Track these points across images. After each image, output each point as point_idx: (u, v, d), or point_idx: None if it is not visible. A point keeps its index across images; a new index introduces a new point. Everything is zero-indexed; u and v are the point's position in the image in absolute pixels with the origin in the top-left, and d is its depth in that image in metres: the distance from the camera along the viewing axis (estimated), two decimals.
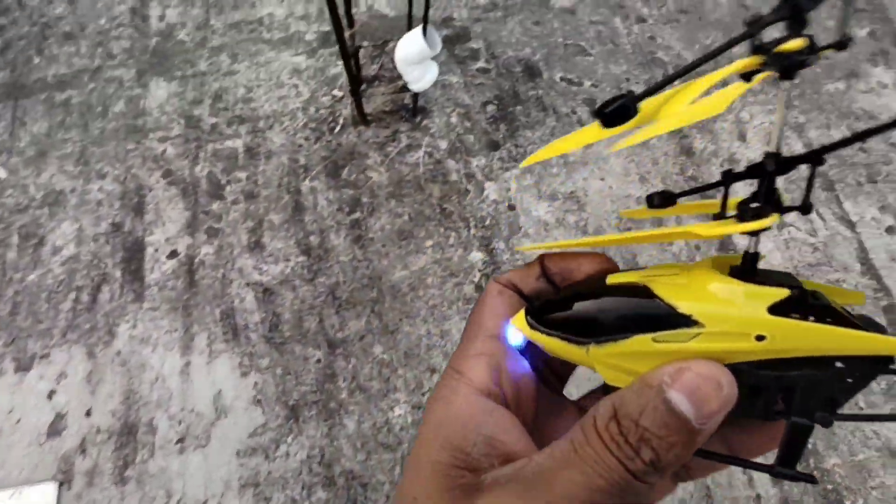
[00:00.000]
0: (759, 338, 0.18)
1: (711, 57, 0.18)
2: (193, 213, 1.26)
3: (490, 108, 1.39)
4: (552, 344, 0.23)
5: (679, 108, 0.19)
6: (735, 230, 0.19)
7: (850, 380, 0.19)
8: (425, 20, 1.11)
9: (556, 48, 1.49)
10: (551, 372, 0.27)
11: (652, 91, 0.19)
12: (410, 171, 1.30)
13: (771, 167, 0.19)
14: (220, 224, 1.25)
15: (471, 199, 1.27)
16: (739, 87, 0.18)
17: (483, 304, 0.25)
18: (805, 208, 0.20)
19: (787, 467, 0.20)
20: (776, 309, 0.19)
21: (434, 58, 1.20)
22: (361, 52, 1.47)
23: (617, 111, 0.19)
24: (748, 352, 0.19)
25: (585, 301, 0.23)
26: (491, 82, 1.43)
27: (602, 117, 0.19)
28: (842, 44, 0.17)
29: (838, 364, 0.19)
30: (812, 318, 0.19)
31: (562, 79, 1.44)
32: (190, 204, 1.27)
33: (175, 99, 1.41)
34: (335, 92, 1.41)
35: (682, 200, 0.25)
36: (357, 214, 1.26)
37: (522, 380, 0.24)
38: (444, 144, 1.34)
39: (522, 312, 0.24)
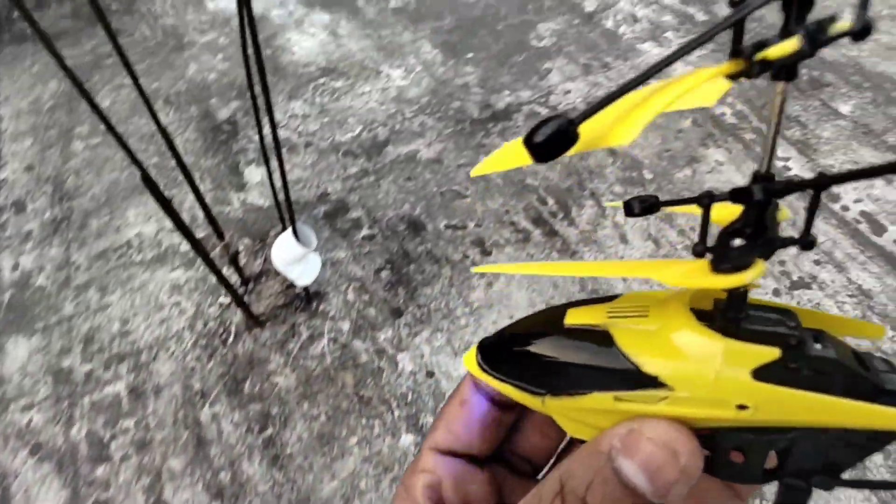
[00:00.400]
0: (741, 406, 0.16)
1: (677, 58, 0.14)
2: (73, 488, 1.07)
3: (384, 274, 1.38)
4: (505, 389, 0.21)
5: (640, 115, 0.15)
6: (705, 284, 0.16)
7: (856, 445, 0.16)
8: (292, 220, 1.10)
9: (433, 198, 1.54)
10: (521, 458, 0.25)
11: (593, 110, 0.15)
12: (317, 365, 1.22)
13: (759, 196, 0.15)
14: (109, 492, 1.07)
15: (387, 377, 1.20)
16: (721, 84, 0.16)
17: (442, 413, 0.24)
18: (806, 244, 0.16)
19: None
20: (764, 371, 0.16)
21: (316, 242, 1.18)
22: (243, 249, 1.43)
23: (551, 140, 0.14)
24: (731, 420, 0.16)
25: (542, 342, 0.21)
26: (379, 247, 1.43)
27: (533, 150, 0.14)
28: (862, 31, 0.12)
29: (842, 431, 0.16)
30: (811, 373, 0.15)
31: (446, 226, 1.47)
32: (68, 479, 1.08)
33: (38, 355, 1.26)
34: (222, 299, 1.34)
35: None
36: (269, 431, 1.14)
37: (471, 487, 0.23)
38: (346, 325, 1.28)
39: (474, 350, 0.23)
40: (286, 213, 1.10)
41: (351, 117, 1.80)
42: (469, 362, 0.22)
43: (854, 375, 0.15)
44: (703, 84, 0.15)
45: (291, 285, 1.30)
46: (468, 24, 2.17)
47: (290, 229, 1.08)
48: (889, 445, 0.16)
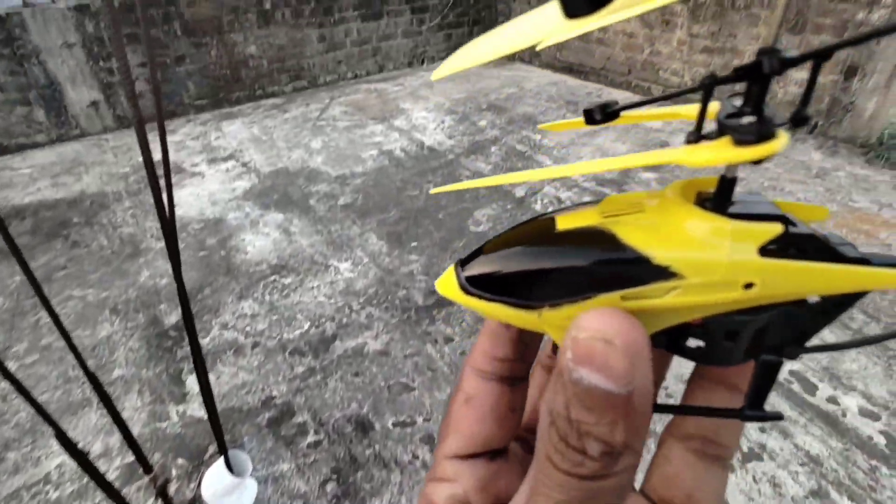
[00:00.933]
0: (748, 285, 0.16)
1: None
2: None
3: (330, 487, 1.29)
4: (493, 311, 0.19)
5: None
6: (735, 158, 0.15)
7: (826, 312, 0.17)
8: (224, 451, 1.05)
9: (380, 393, 1.53)
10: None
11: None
12: None
13: (769, 66, 0.15)
14: None
15: None
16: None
17: (447, 417, 0.22)
18: (800, 120, 0.16)
19: (755, 409, 0.18)
20: (767, 250, 0.16)
21: (251, 468, 1.12)
22: (177, 473, 1.34)
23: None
24: (733, 302, 0.16)
25: (533, 250, 0.19)
26: (325, 454, 1.37)
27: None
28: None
29: (813, 299, 0.17)
30: (803, 248, 0.16)
31: (394, 424, 1.44)
32: None
33: None
34: None
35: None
36: None
37: (499, 484, 0.21)
38: None
39: (451, 271, 0.20)
40: (219, 439, 1.06)
41: (300, 313, 1.84)
42: (445, 286, 0.20)
43: (831, 247, 0.16)
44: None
45: None
46: (412, 215, 2.39)
47: (220, 459, 1.03)
48: (847, 310, 0.17)
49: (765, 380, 0.18)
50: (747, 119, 0.16)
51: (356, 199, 2.54)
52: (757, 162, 0.15)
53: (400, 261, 2.09)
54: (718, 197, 0.17)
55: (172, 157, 3.05)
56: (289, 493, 1.28)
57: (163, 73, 3.46)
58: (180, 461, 1.36)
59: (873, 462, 1.29)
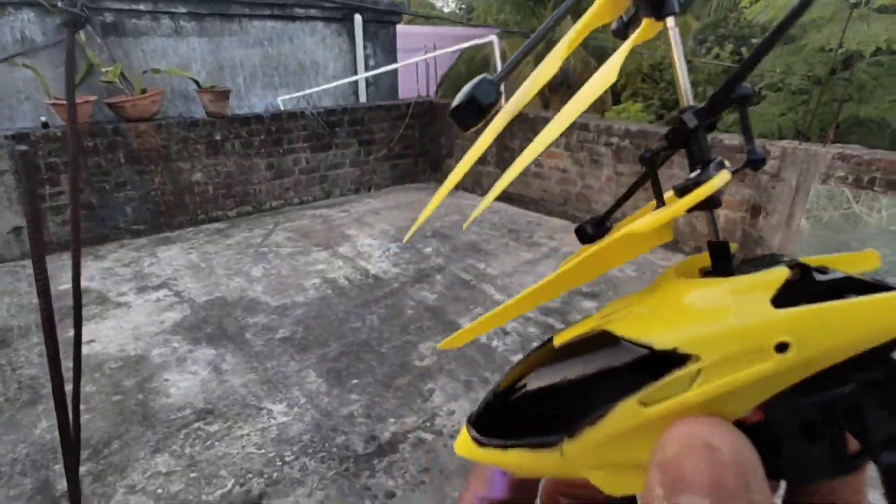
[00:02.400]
0: (781, 347, 0.13)
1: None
2: None
3: None
4: (513, 460, 0.17)
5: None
6: (681, 207, 0.14)
7: None
8: None
9: None
10: None
11: (509, 70, 0.19)
12: None
13: (693, 123, 0.15)
14: None
15: None
16: (622, 51, 0.16)
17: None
18: (754, 162, 0.16)
19: None
20: (783, 296, 0.13)
21: None
22: None
23: (471, 103, 0.18)
24: (774, 375, 0.13)
25: (537, 375, 0.17)
26: None
27: (458, 119, 0.18)
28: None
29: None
30: (828, 289, 0.13)
31: None
32: None
33: None
34: None
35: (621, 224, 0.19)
36: None
37: None
38: None
39: (464, 432, 0.19)
40: None
41: (224, 468, 1.64)
42: (462, 447, 0.19)
43: (865, 282, 0.14)
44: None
45: None
46: (353, 349, 2.29)
47: None
48: None
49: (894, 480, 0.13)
50: (693, 174, 0.15)
51: (296, 332, 2.43)
52: (706, 206, 0.15)
53: (339, 401, 1.96)
54: (715, 263, 0.16)
55: (97, 285, 2.87)
56: None
57: (101, 198, 3.38)
58: None
59: None
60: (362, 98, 5.05)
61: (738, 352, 0.13)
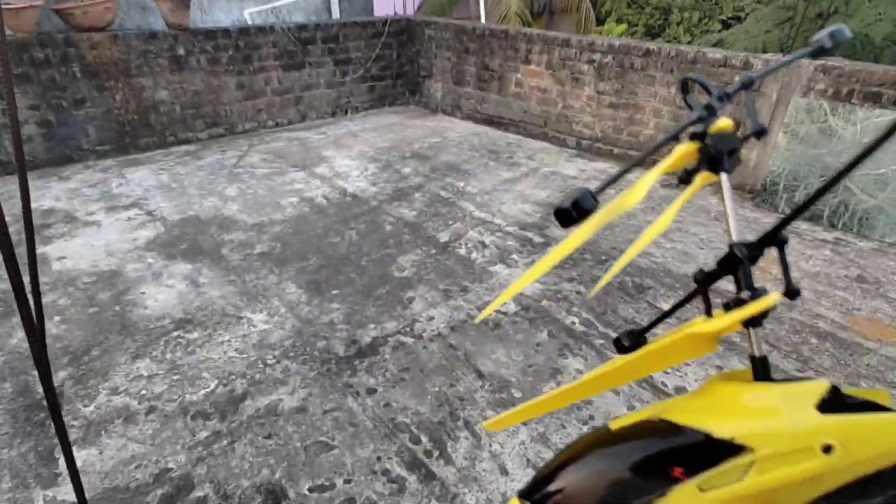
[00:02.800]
0: (826, 449, 0.12)
1: (651, 153, 0.23)
2: None
3: None
4: None
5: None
6: (742, 316, 0.13)
7: None
8: None
9: (296, 455, 1.38)
10: None
11: (606, 184, 0.22)
12: None
13: (742, 253, 0.21)
14: None
15: None
16: (650, 176, 0.22)
17: None
18: (791, 293, 0.21)
19: None
20: (826, 404, 0.10)
21: None
22: None
23: (577, 206, 0.21)
24: (820, 475, 0.11)
25: (592, 458, 0.13)
26: None
27: (561, 216, 0.21)
28: (760, 132, 0.24)
29: None
30: (863, 402, 0.10)
31: (311, 489, 1.29)
32: None
33: None
34: None
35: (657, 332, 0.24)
36: None
37: None
38: None
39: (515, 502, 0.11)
40: None
41: (206, 371, 1.67)
42: None
43: (882, 406, 0.15)
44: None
45: None
46: (333, 263, 2.29)
47: None
48: None
49: None
50: (744, 294, 0.18)
51: (274, 248, 2.41)
52: (752, 324, 0.18)
53: (319, 310, 1.98)
54: (756, 374, 0.18)
55: (64, 205, 2.78)
56: None
57: (59, 115, 3.20)
58: None
59: None
60: (335, 14, 4.75)
61: (788, 448, 0.14)
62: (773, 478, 0.13)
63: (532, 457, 1.39)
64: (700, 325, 0.15)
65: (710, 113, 0.23)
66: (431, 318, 1.93)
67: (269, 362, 1.71)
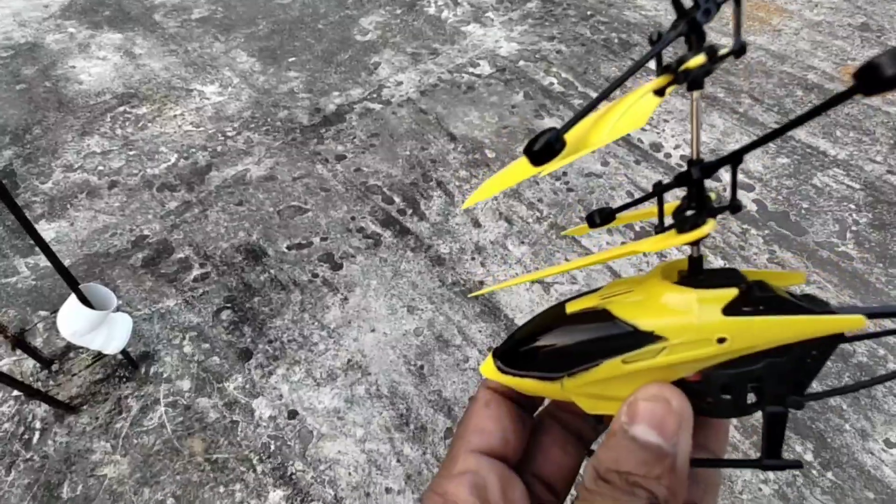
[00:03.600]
0: (720, 340, 0.19)
1: (625, 79, 0.20)
2: None
3: (225, 314, 1.21)
4: (526, 385, 0.24)
5: (604, 128, 0.20)
6: (676, 242, 0.20)
7: (808, 360, 0.20)
8: (73, 285, 0.90)
9: (270, 219, 1.39)
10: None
11: (573, 122, 0.20)
12: (156, 439, 1.03)
13: (697, 174, 0.20)
14: None
15: (242, 430, 1.05)
16: (653, 101, 0.20)
17: (468, 417, 0.24)
18: (734, 208, 0.21)
19: (773, 458, 0.20)
20: (729, 309, 0.19)
21: (118, 307, 0.99)
22: (41, 324, 1.19)
23: (544, 149, 0.19)
24: (713, 356, 0.20)
25: (551, 334, 0.23)
26: (215, 286, 1.26)
27: (531, 156, 0.19)
28: (740, 51, 0.18)
29: (796, 349, 0.20)
30: (762, 309, 0.19)
31: (289, 247, 1.33)
32: None
33: None
34: (16, 392, 1.09)
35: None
36: None
37: (514, 493, 0.22)
38: (186, 384, 1.10)
39: (490, 359, 0.25)
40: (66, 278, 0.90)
41: (163, 146, 1.58)
42: (488, 371, 0.25)
43: (791, 302, 0.20)
44: (637, 102, 0.21)
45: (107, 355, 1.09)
46: (286, 27, 2.02)
47: (72, 296, 0.88)
48: (832, 354, 0.20)
49: (774, 430, 0.21)
50: (690, 212, 0.20)
51: (214, 12, 2.09)
52: (694, 243, 0.21)
53: (277, 79, 1.80)
54: (690, 272, 0.22)
55: None
56: (179, 326, 1.19)
57: None
58: (42, 313, 1.20)
59: (745, 226, 1.40)
60: None
61: (694, 339, 0.20)
62: (678, 357, 0.19)
63: (504, 210, 1.42)
64: (643, 245, 0.21)
65: (695, 32, 0.18)
66: (399, 84, 1.79)
67: (229, 134, 1.61)
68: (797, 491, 0.98)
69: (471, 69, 1.83)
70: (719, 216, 0.21)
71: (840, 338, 0.19)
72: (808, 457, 1.01)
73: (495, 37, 1.96)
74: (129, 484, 0.99)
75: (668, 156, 1.57)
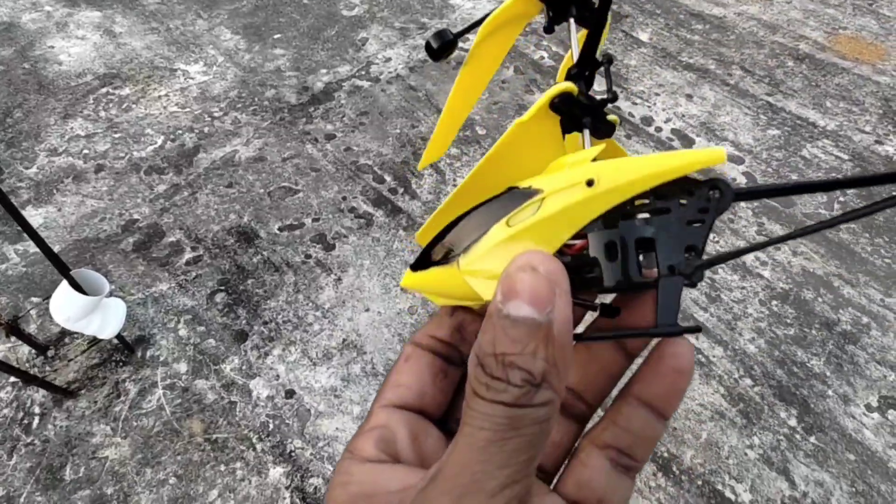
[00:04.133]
0: (589, 183, 0.19)
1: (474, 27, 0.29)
2: None
3: (219, 297, 1.21)
4: (430, 280, 0.23)
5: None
6: (541, 103, 0.25)
7: (696, 217, 0.19)
8: (63, 271, 0.90)
9: (261, 201, 1.39)
10: None
11: (469, 28, 0.25)
12: (156, 420, 1.05)
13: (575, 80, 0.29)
14: None
15: (241, 411, 1.06)
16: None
17: (389, 373, 0.24)
18: (613, 97, 0.26)
19: (668, 323, 0.19)
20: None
21: (110, 293, 0.99)
22: (34, 310, 1.19)
23: (442, 47, 0.28)
24: (587, 201, 0.19)
25: (456, 226, 0.23)
26: (208, 269, 1.26)
27: (430, 53, 0.26)
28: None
29: (681, 202, 0.19)
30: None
31: (281, 228, 1.33)
32: None
33: None
34: (13, 378, 1.09)
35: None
36: None
37: (427, 443, 0.22)
38: (183, 367, 1.11)
39: (408, 272, 0.24)
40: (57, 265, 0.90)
41: (149, 128, 1.55)
42: (407, 282, 0.25)
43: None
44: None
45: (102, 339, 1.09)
46: (270, 3, 1.97)
47: (64, 283, 0.88)
48: (718, 217, 0.20)
49: (666, 297, 0.19)
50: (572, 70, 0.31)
51: None
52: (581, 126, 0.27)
53: (263, 57, 1.77)
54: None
55: None
56: (174, 309, 1.19)
57: None
58: (34, 299, 1.20)
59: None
60: None
61: (564, 186, 0.20)
62: (554, 208, 0.19)
63: None
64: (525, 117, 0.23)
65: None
66: (388, 60, 1.76)
67: (216, 115, 1.59)
68: (781, 454, 1.01)
69: (460, 44, 1.80)
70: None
71: (713, 188, 0.19)
72: (793, 422, 1.05)
73: (485, 9, 1.93)
74: (131, 465, 1.00)
75: (658, 129, 1.57)
